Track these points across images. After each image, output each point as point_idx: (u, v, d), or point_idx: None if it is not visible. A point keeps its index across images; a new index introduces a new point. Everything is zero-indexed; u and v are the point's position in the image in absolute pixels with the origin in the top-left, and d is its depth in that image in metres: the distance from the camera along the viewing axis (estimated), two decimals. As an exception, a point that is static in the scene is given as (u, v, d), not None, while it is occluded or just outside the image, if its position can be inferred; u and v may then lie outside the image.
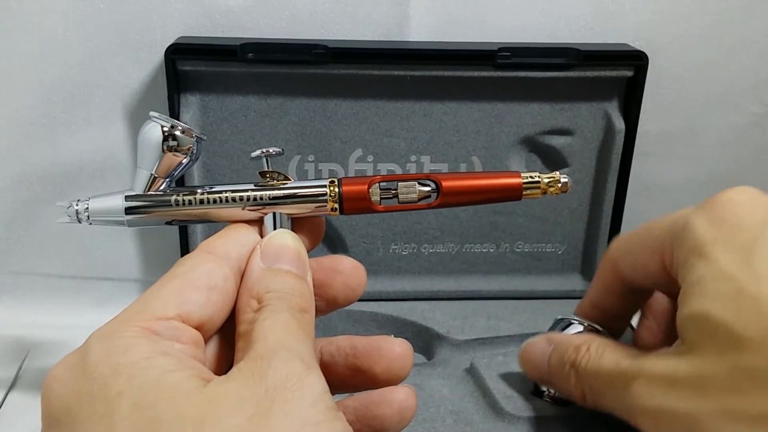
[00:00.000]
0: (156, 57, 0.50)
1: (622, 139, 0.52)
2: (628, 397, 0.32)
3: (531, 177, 0.32)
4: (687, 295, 0.32)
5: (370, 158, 0.52)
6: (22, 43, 0.49)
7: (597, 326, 0.42)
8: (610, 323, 0.40)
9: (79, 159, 0.53)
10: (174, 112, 0.48)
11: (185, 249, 0.51)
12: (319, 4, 0.51)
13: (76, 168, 0.53)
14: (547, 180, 0.32)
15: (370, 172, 0.52)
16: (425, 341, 0.51)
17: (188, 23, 0.50)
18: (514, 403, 0.42)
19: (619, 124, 0.52)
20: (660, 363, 0.32)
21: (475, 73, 0.50)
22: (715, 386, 0.29)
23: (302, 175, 0.52)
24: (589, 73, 0.50)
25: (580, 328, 0.41)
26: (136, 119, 0.52)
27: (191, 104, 0.49)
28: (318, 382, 0.24)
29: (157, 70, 0.51)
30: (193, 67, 0.48)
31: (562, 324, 0.42)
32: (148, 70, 0.51)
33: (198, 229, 0.51)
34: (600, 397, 0.35)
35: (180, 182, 0.33)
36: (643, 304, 0.40)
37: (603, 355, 0.35)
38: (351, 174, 0.52)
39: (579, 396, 0.36)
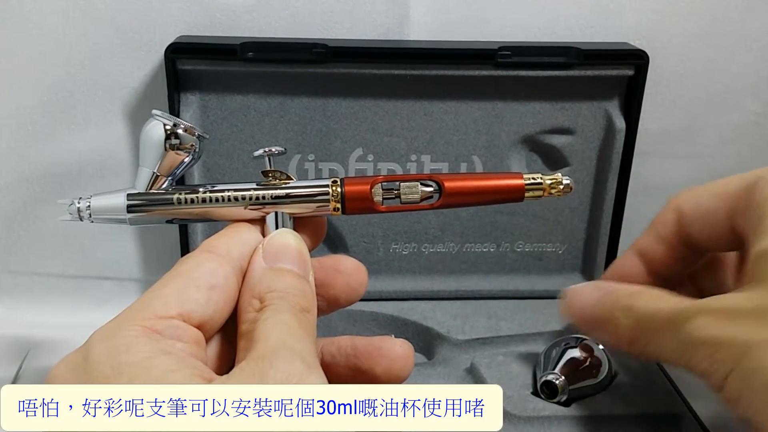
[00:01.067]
0: (156, 56, 0.50)
1: (623, 139, 0.52)
2: (684, 333, 0.32)
3: (533, 178, 0.32)
4: (763, 234, 0.32)
5: (371, 157, 0.52)
6: (22, 43, 0.49)
7: (592, 344, 0.43)
8: (648, 277, 0.40)
9: (79, 158, 0.53)
10: (174, 112, 0.48)
11: (186, 248, 0.51)
12: (318, 3, 0.51)
13: (76, 167, 0.53)
14: (549, 181, 0.32)
15: (370, 172, 0.52)
16: (425, 341, 0.51)
17: (188, 22, 0.50)
18: (514, 403, 0.42)
19: (620, 123, 0.52)
20: (723, 298, 0.32)
21: (476, 72, 0.50)
22: None
23: (302, 175, 0.52)
24: (589, 72, 0.50)
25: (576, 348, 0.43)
26: (137, 118, 0.52)
27: (191, 103, 0.49)
28: (319, 382, 0.24)
29: (157, 70, 0.51)
30: (193, 66, 0.48)
31: (562, 346, 0.43)
32: (148, 69, 0.51)
33: (198, 228, 0.51)
34: (652, 338, 0.35)
35: (180, 181, 0.33)
36: (692, 267, 0.40)
37: (660, 299, 0.35)
38: (351, 173, 0.52)
39: (626, 340, 0.36)
